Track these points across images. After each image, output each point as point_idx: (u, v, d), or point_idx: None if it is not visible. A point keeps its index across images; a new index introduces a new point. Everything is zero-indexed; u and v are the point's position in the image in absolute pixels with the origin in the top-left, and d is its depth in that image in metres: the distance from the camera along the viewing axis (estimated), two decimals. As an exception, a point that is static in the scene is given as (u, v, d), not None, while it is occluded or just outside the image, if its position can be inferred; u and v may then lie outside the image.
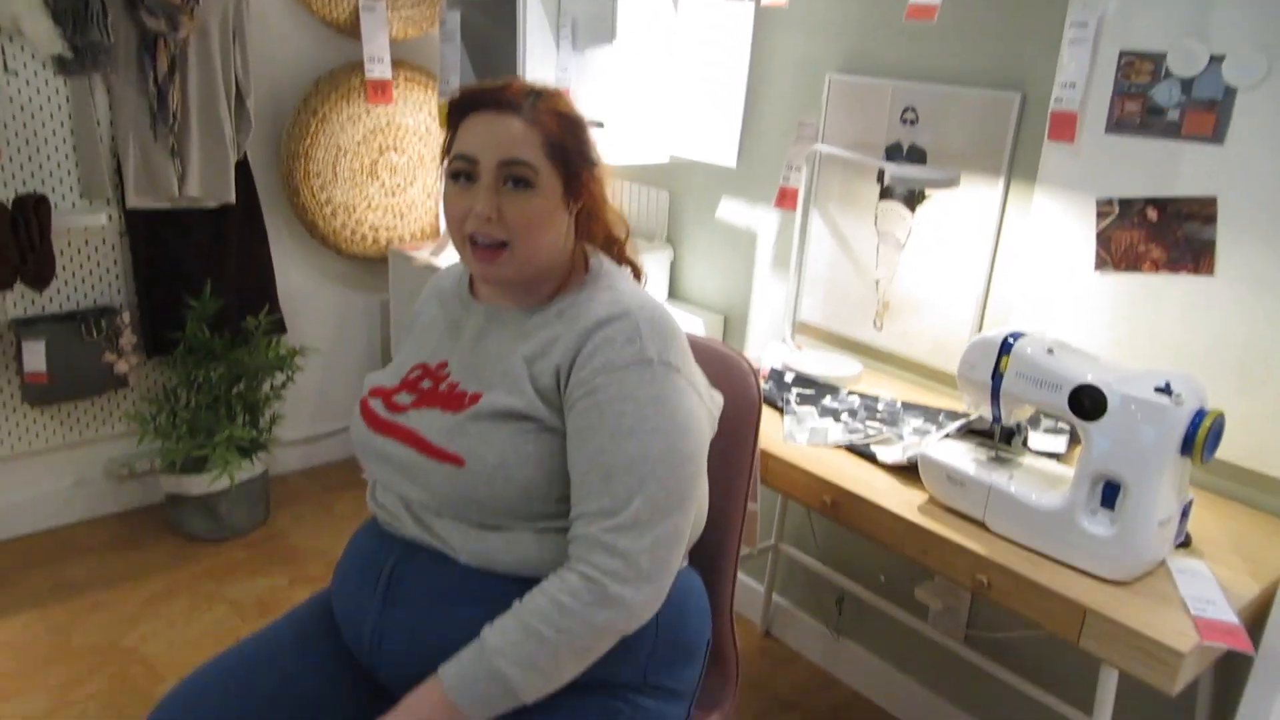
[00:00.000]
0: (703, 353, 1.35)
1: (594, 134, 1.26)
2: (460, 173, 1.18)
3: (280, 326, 2.83)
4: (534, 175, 1.17)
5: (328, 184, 2.80)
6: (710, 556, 1.38)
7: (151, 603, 2.44)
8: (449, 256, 2.74)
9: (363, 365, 3.20)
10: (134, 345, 2.61)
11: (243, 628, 2.35)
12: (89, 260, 2.56)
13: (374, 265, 3.08)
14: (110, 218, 2.53)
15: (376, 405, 1.26)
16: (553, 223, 1.20)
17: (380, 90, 2.80)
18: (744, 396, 1.39)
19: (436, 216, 3.04)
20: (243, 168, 2.64)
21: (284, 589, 2.52)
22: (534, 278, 1.23)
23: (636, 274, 1.33)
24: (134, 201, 2.47)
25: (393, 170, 2.91)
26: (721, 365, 1.41)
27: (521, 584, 1.13)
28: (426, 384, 1.25)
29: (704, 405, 1.20)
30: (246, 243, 2.73)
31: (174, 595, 2.47)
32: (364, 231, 2.92)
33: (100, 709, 2.06)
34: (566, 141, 1.20)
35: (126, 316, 2.58)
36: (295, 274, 2.96)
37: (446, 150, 1.23)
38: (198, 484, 2.61)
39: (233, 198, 2.59)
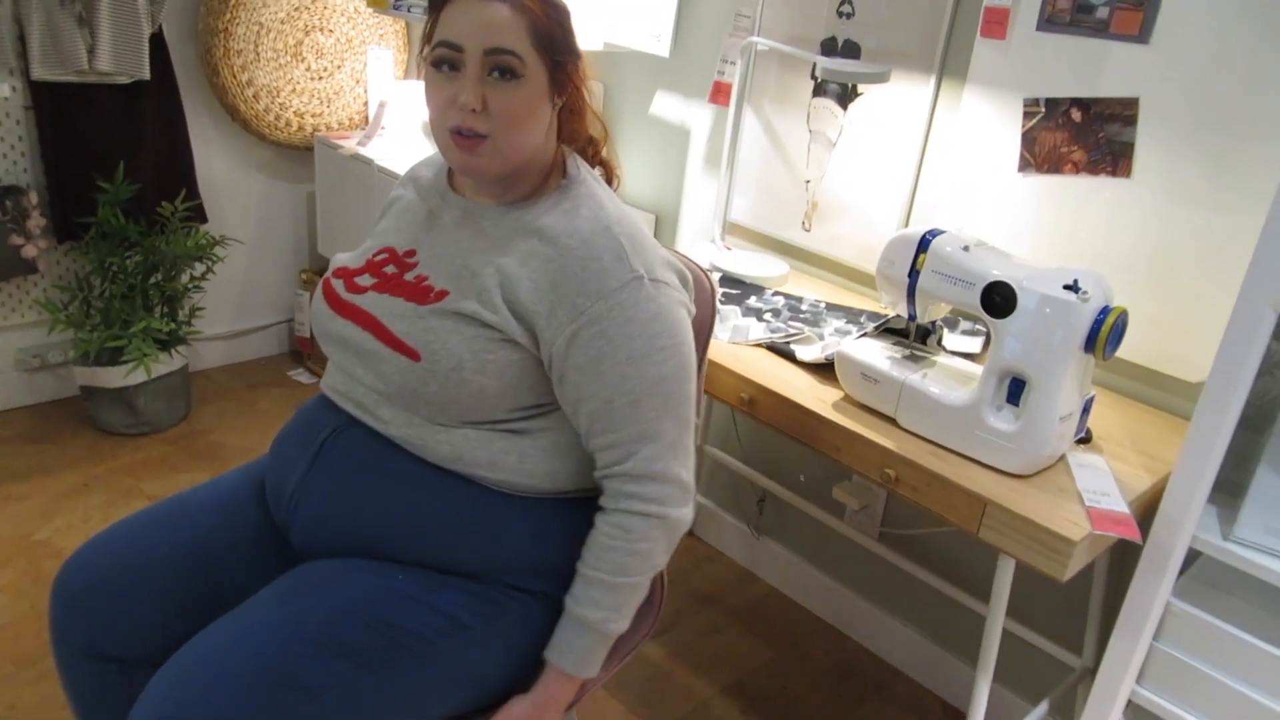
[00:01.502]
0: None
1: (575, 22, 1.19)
2: (443, 60, 1.13)
3: (200, 214, 2.73)
4: (520, 65, 1.12)
5: (249, 64, 2.68)
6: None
7: (66, 496, 2.39)
8: (378, 147, 2.65)
9: (289, 259, 3.12)
10: (43, 229, 2.50)
11: (161, 519, 2.32)
12: (-9, 137, 2.43)
13: (300, 154, 2.97)
14: (14, 89, 2.39)
15: (338, 285, 1.24)
16: (537, 117, 1.16)
17: (303, -34, 2.66)
18: (705, 307, 1.36)
19: (365, 104, 2.93)
20: (158, 42, 2.51)
21: (205, 482, 2.49)
22: (513, 173, 1.19)
23: (610, 177, 1.30)
24: (39, 73, 2.34)
25: (319, 52, 2.79)
26: (682, 279, 1.38)
27: (450, 476, 1.16)
28: (390, 269, 1.22)
29: (686, 310, 1.21)
30: (162, 123, 2.61)
31: (90, 490, 2.43)
32: (288, 117, 2.81)
33: (10, 600, 2.03)
34: (553, 30, 1.15)
35: (34, 197, 2.46)
36: (216, 160, 2.85)
37: (427, 37, 1.16)
38: (113, 376, 2.54)
39: (147, 74, 2.46)
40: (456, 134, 1.13)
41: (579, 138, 1.26)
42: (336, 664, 1.06)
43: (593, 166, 1.28)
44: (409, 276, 1.20)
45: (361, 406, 1.21)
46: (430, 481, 1.17)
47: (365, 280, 1.23)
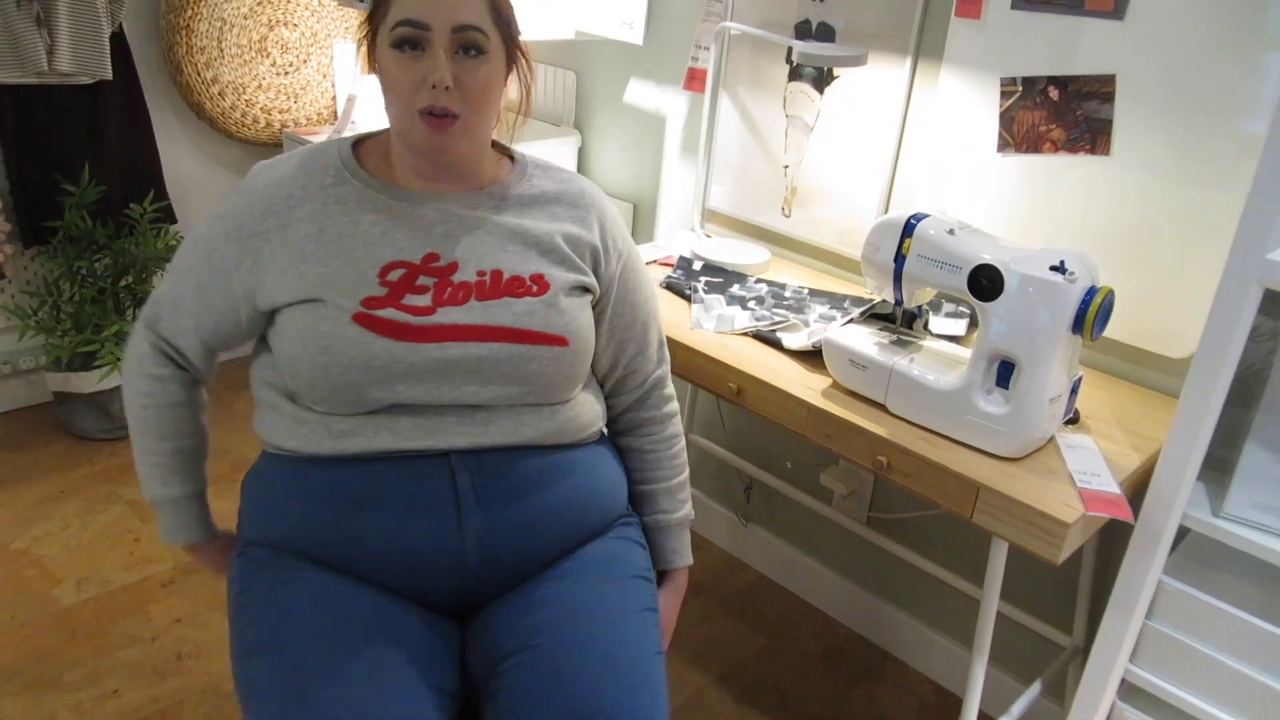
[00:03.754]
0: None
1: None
2: (406, 40, 1.10)
3: (169, 215, 2.69)
4: (485, 41, 1.12)
5: (213, 61, 2.63)
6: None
7: (43, 504, 2.35)
8: (347, 141, 2.61)
9: (261, 257, 3.07)
10: (9, 234, 2.45)
11: (141, 528, 2.29)
12: (-50, 142, 2.38)
13: (268, 151, 2.92)
14: (-29, 95, 2.34)
15: (395, 314, 1.12)
16: (499, 93, 1.17)
17: (266, -40, 2.61)
18: None
19: (333, 99, 2.89)
20: (119, 41, 2.46)
21: (184, 487, 2.45)
22: (475, 157, 1.20)
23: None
24: (-4, 77, 2.29)
25: (284, 47, 2.74)
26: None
27: (573, 448, 1.24)
28: (425, 280, 1.14)
29: None
30: (127, 123, 2.56)
31: (67, 496, 2.39)
32: (255, 114, 2.76)
33: (-10, 611, 2.00)
34: (504, 7, 1.15)
35: (-3, 203, 2.41)
36: (184, 159, 2.80)
37: (373, 16, 1.14)
38: (86, 381, 2.50)
39: (109, 73, 2.41)
40: (428, 115, 1.11)
41: (527, 115, 1.30)
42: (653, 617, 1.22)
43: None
44: (476, 277, 1.16)
45: (463, 430, 1.15)
46: (572, 461, 1.23)
47: (423, 300, 1.14)
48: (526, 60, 1.22)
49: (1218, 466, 1.36)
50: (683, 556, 1.37)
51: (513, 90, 1.22)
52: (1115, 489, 1.27)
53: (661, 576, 1.35)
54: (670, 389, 1.39)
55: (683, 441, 1.39)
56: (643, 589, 1.23)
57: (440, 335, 1.12)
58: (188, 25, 2.55)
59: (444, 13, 1.09)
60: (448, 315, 1.13)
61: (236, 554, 1.21)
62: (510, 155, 1.30)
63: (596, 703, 1.05)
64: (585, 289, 1.24)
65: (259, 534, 1.20)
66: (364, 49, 1.18)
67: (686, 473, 1.39)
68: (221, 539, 1.33)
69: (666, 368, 1.39)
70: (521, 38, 1.20)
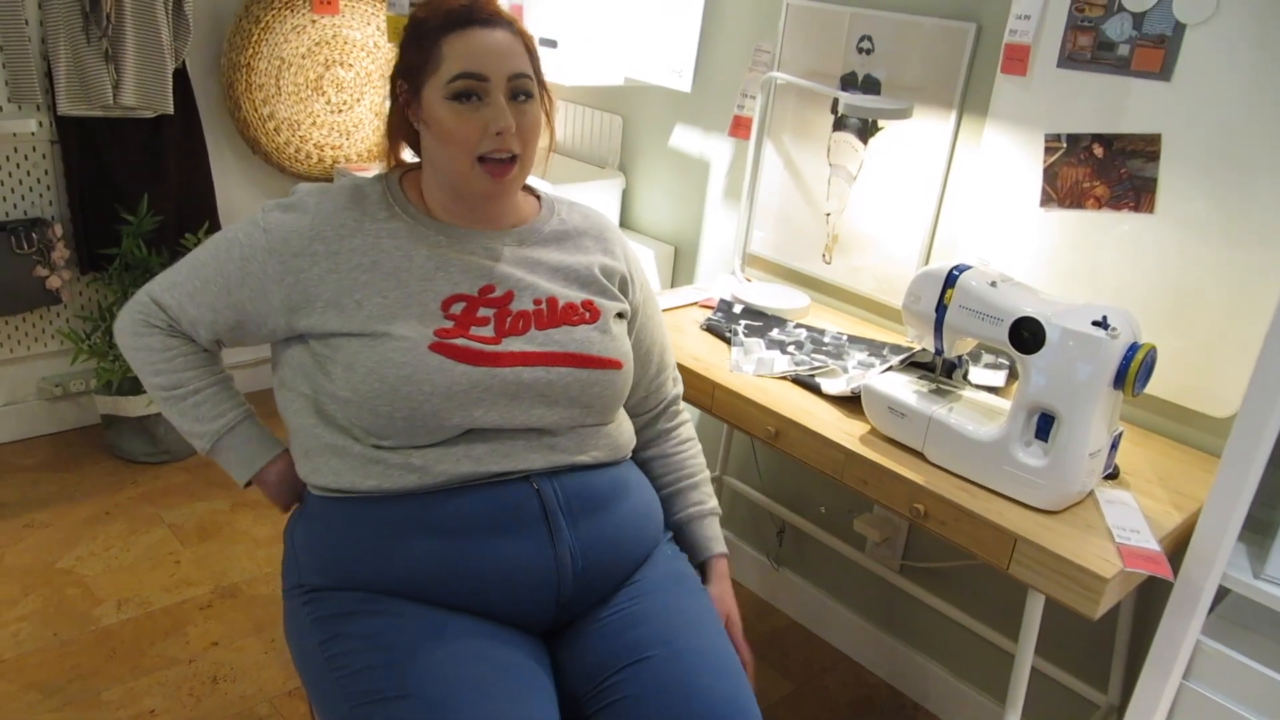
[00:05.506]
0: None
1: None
2: (467, 92, 1.17)
3: (221, 246, 2.76)
4: (532, 85, 1.22)
5: (270, 98, 2.71)
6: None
7: (88, 524, 2.40)
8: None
9: (307, 288, 3.14)
10: (67, 260, 2.53)
11: (182, 551, 2.33)
12: (18, 169, 2.47)
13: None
14: (41, 124, 2.43)
15: (466, 343, 1.16)
16: (540, 133, 1.26)
17: (325, 0, 2.70)
18: None
19: (384, 136, 2.96)
20: (181, 77, 2.55)
21: (225, 513, 2.50)
22: (516, 195, 1.31)
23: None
24: (65, 108, 2.37)
25: (339, 86, 2.83)
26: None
27: (624, 465, 1.32)
28: (485, 311, 1.20)
29: None
30: (185, 156, 2.65)
31: (111, 517, 2.44)
32: (309, 150, 2.84)
33: (34, 628, 2.04)
34: (535, 51, 1.25)
35: (59, 229, 2.49)
36: (237, 191, 2.88)
37: (417, 71, 1.19)
38: (134, 405, 2.56)
39: (170, 108, 2.50)
40: (487, 161, 1.18)
41: (553, 149, 1.44)
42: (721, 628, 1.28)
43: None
44: (533, 306, 1.23)
45: (537, 452, 1.20)
46: (627, 477, 1.30)
47: (487, 330, 1.19)
48: (550, 99, 1.29)
49: (1259, 528, 1.35)
50: (719, 543, 1.42)
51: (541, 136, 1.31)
52: (1155, 546, 1.26)
53: (702, 571, 1.40)
54: (682, 406, 1.49)
55: (698, 445, 1.48)
56: (708, 600, 1.31)
57: (512, 360, 1.18)
58: (248, 63, 2.64)
59: (500, 64, 1.17)
60: (513, 344, 1.20)
61: (301, 603, 1.19)
62: (535, 193, 1.37)
63: (710, 706, 1.12)
64: (622, 315, 1.34)
65: (328, 579, 1.18)
66: (400, 103, 1.24)
67: (707, 473, 1.46)
68: (288, 456, 1.30)
69: (681, 388, 1.50)
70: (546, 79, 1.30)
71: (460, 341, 1.17)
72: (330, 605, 1.16)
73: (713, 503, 1.44)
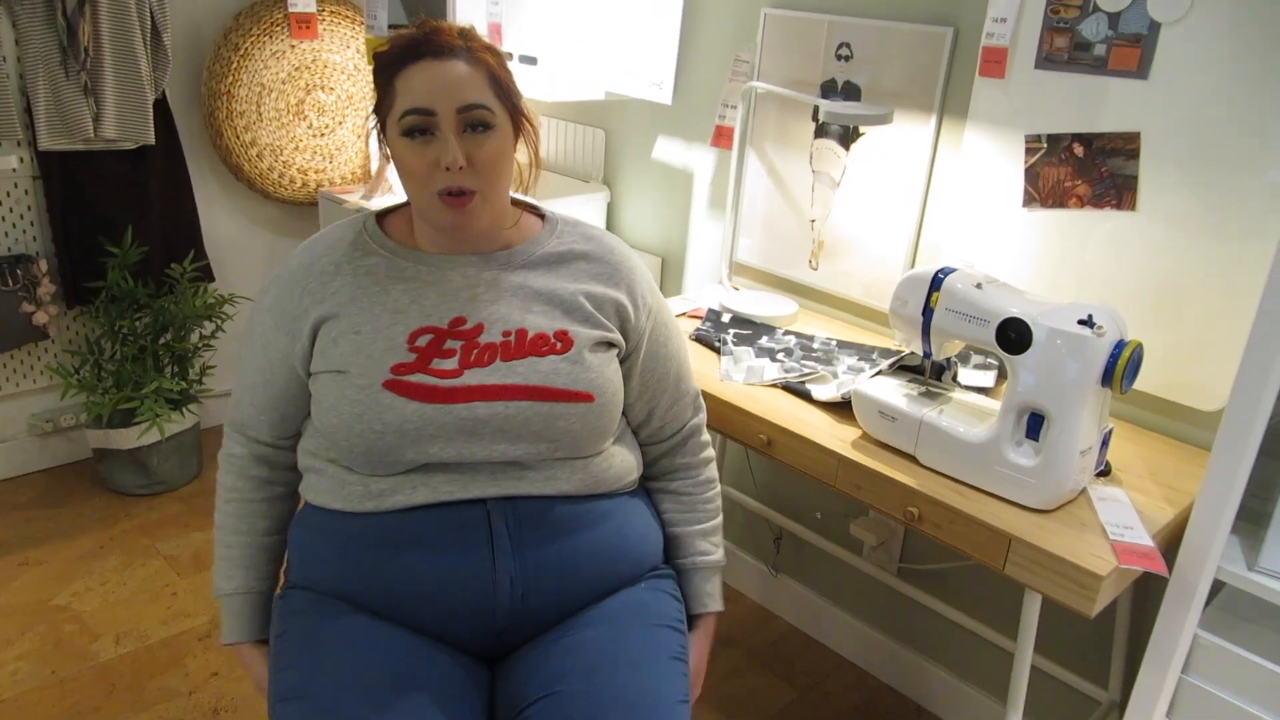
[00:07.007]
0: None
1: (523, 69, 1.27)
2: (416, 128, 1.15)
3: (208, 274, 2.76)
4: (491, 116, 1.17)
5: (252, 124, 2.71)
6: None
7: (83, 559, 2.39)
8: (383, 200, 2.67)
9: (296, 313, 3.13)
10: (53, 295, 2.52)
11: (179, 582, 2.32)
12: (0, 206, 2.46)
13: (304, 210, 3.00)
14: (22, 160, 2.42)
15: (424, 379, 1.16)
16: (510, 161, 1.22)
17: (304, 25, 2.71)
18: None
19: (368, 158, 2.97)
20: (161, 107, 2.55)
21: (220, 540, 2.48)
22: (496, 223, 1.25)
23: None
24: (46, 143, 2.37)
25: (320, 110, 2.83)
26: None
27: (607, 498, 1.26)
28: (453, 343, 1.18)
29: None
30: (168, 186, 2.64)
31: (106, 552, 2.43)
32: (292, 174, 2.84)
33: (32, 666, 2.02)
34: (504, 77, 1.20)
35: (44, 265, 2.48)
36: (222, 219, 2.88)
37: (380, 107, 1.20)
38: (126, 438, 2.55)
39: (152, 139, 2.50)
40: (446, 195, 1.16)
41: (536, 179, 1.35)
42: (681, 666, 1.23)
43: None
44: (501, 338, 1.20)
45: (497, 484, 1.18)
46: (605, 510, 1.25)
47: (450, 364, 1.17)
48: (532, 125, 1.27)
49: (1252, 519, 1.36)
50: (715, 601, 1.38)
51: (522, 154, 1.28)
52: (1148, 542, 1.27)
53: (691, 623, 1.36)
54: (706, 437, 1.43)
55: (718, 488, 1.42)
56: (671, 638, 1.24)
57: (468, 396, 1.16)
58: (228, 91, 2.64)
59: (447, 96, 1.14)
60: (474, 376, 1.17)
61: (279, 596, 1.26)
62: (540, 214, 1.34)
63: None
64: (610, 344, 1.26)
65: (299, 578, 1.24)
66: (375, 136, 1.24)
67: (720, 519, 1.42)
68: (265, 645, 1.31)
69: (703, 416, 1.43)
70: (524, 100, 1.25)
71: (415, 378, 1.16)
72: (292, 600, 1.22)
73: (718, 554, 1.39)
